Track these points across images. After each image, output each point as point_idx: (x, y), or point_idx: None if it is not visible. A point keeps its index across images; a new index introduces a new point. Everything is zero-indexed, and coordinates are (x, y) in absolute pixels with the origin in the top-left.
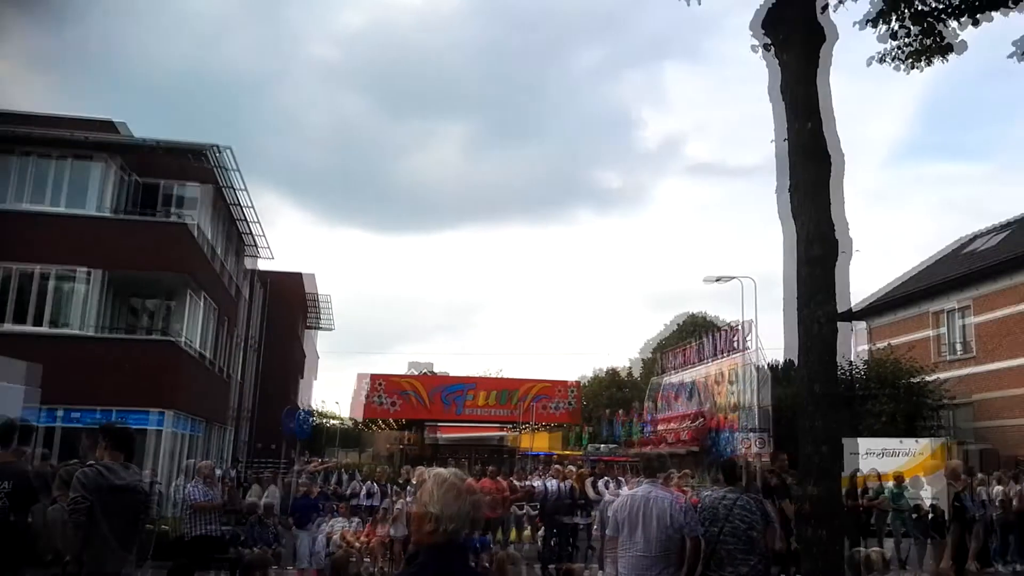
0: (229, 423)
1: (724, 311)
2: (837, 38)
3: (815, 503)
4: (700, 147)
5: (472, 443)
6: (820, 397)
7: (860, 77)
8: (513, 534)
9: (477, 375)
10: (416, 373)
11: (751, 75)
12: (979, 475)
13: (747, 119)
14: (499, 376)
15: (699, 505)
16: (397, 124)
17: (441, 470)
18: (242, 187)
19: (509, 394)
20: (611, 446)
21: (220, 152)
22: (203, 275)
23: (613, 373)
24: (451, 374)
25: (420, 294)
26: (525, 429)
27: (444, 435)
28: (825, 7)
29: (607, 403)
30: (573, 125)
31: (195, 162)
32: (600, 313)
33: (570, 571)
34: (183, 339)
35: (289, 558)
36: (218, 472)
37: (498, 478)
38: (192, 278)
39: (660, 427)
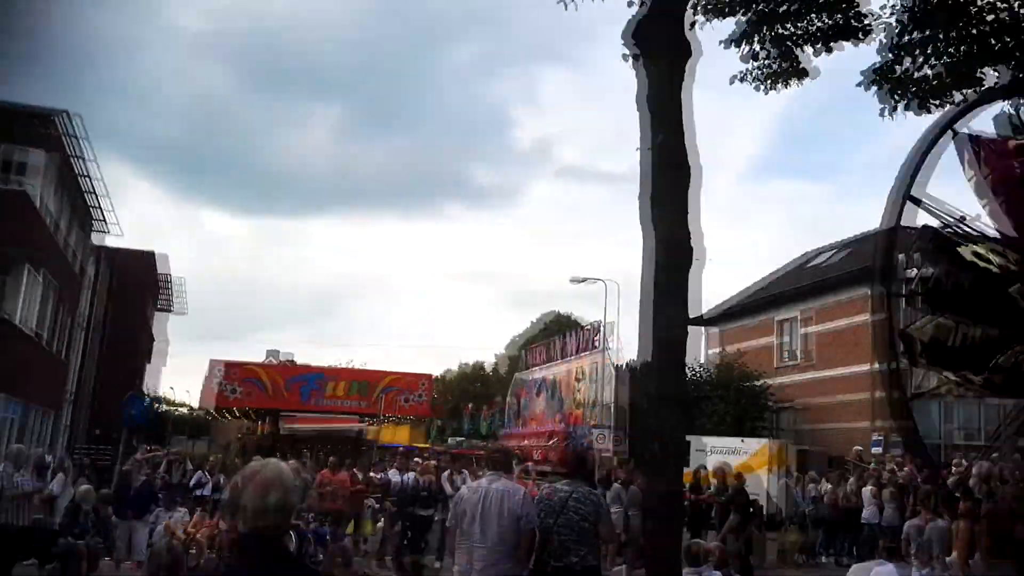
0: (65, 407)
1: (590, 312)
2: (701, 54)
3: (654, 497)
4: (572, 151)
5: (330, 435)
6: (666, 397)
7: (725, 94)
8: (369, 527)
9: (333, 366)
10: (274, 362)
11: (624, 83)
12: (810, 473)
13: (618, 126)
14: (354, 367)
15: (536, 497)
16: (264, 103)
17: (261, 462)
18: (92, 158)
19: (364, 385)
20: (468, 440)
21: (69, 119)
22: (43, 249)
23: (478, 368)
24: (310, 364)
25: (282, 281)
26: (381, 421)
27: (302, 426)
28: (693, 24)
29: (471, 398)
30: (447, 119)
31: (41, 128)
32: (468, 309)
33: (417, 564)
34: (17, 317)
35: (124, 551)
36: (48, 460)
37: (351, 471)
38: (30, 251)
39: (527, 441)
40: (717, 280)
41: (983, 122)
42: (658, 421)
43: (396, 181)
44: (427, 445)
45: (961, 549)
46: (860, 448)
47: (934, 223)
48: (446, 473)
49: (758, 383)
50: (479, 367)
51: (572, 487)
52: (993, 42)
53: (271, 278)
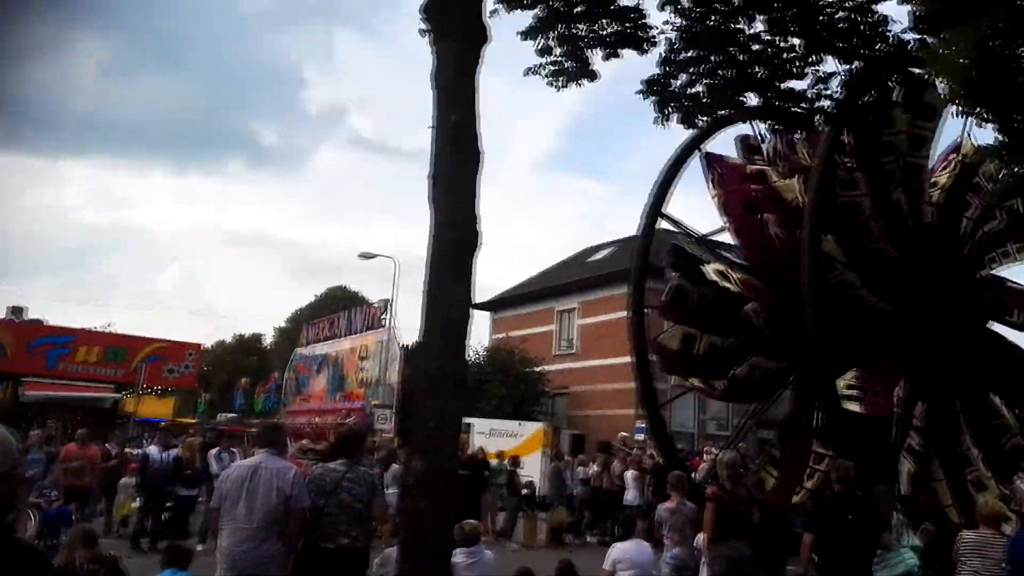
0: None
1: (376, 289)
2: (492, 40)
3: (420, 476)
4: (366, 121)
5: (80, 404)
6: (439, 377)
7: (530, 86)
8: (125, 507)
9: (87, 328)
10: (16, 320)
11: (426, 59)
12: (580, 456)
13: (417, 102)
14: (113, 331)
15: (308, 477)
16: (16, 26)
17: None
18: None
19: (122, 352)
20: (241, 417)
21: None
22: None
23: (255, 340)
24: (61, 325)
25: (31, 227)
26: (141, 393)
27: (49, 393)
28: (494, 12)
29: (246, 372)
30: (231, 70)
31: None
32: (247, 276)
33: (177, 547)
34: None
35: None
36: None
37: (103, 445)
38: None
39: (302, 418)
40: (503, 267)
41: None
42: (435, 401)
43: (171, 130)
44: (193, 421)
45: (708, 530)
46: (625, 434)
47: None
48: (214, 451)
49: (537, 369)
50: (256, 339)
51: (346, 467)
52: (754, 70)
53: (18, 223)
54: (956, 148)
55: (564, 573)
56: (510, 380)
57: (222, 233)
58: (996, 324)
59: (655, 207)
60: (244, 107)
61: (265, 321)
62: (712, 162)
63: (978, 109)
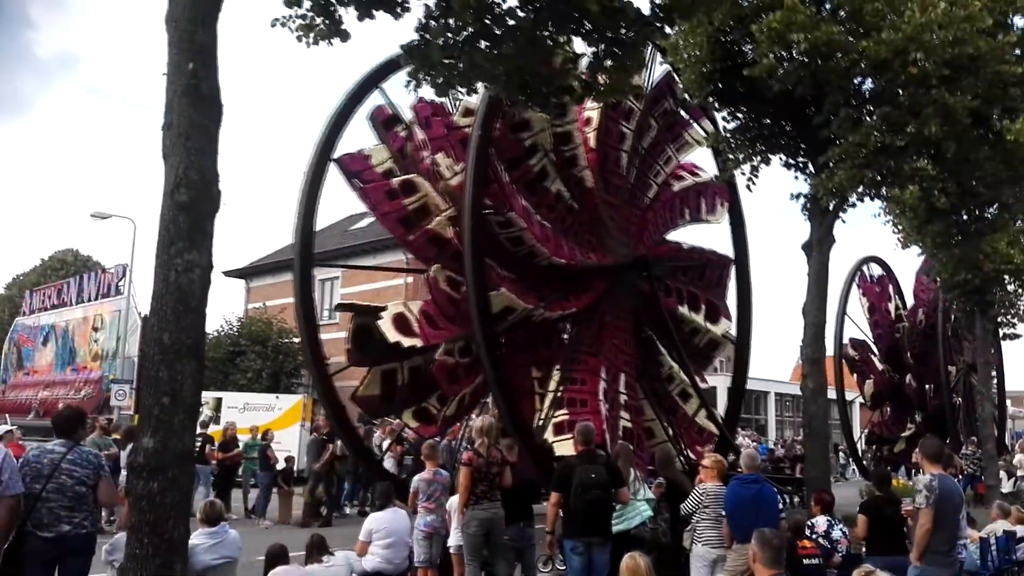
0: None
1: (111, 253)
2: None
3: (150, 455)
4: (100, 69)
5: None
6: (168, 347)
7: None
8: None
9: None
10: None
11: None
12: None
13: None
14: None
15: (22, 459)
16: None
17: None
18: None
19: None
20: None
21: None
22: None
23: None
24: None
25: None
26: None
27: None
28: None
29: None
30: None
31: None
32: None
33: None
34: None
35: None
36: None
37: None
38: None
39: (27, 392)
40: (260, 232)
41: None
42: (169, 374)
43: None
44: None
45: (462, 493)
46: None
47: None
48: None
49: (296, 340)
50: None
51: (66, 447)
52: (507, 46)
53: None
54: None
55: (315, 548)
56: (267, 352)
57: None
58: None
59: (323, 156)
60: None
61: None
62: (350, 172)
63: (710, 99)
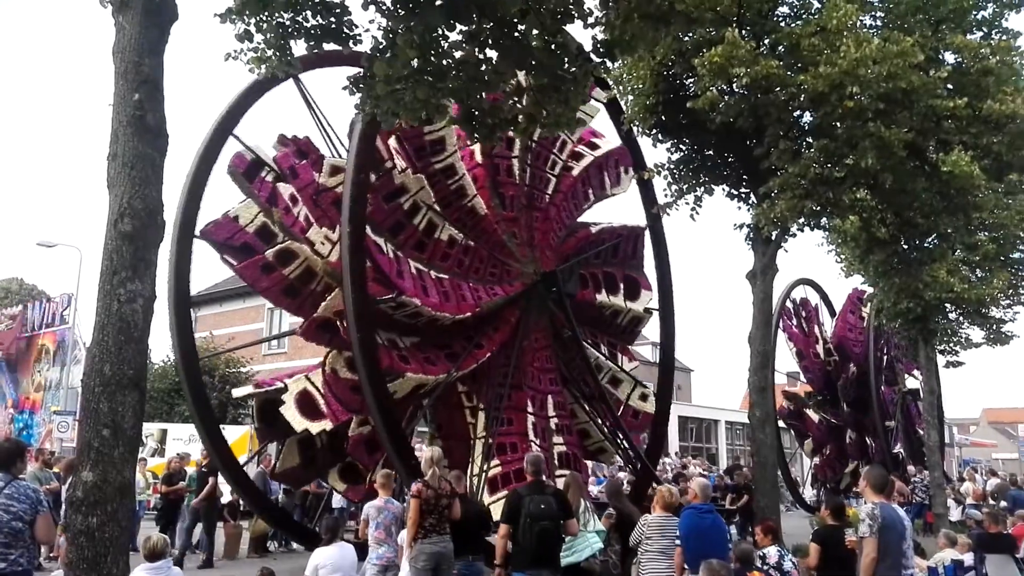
0: None
1: (57, 282)
2: (178, 18)
3: (89, 489)
4: (48, 97)
5: None
6: (109, 378)
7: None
8: None
9: None
10: None
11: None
12: None
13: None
14: None
15: None
16: None
17: None
18: None
19: None
20: None
21: None
22: None
23: None
24: None
25: None
26: None
27: None
28: None
29: None
30: None
31: None
32: None
33: None
34: None
35: None
36: None
37: None
38: None
39: None
40: (210, 263)
41: None
42: (110, 406)
43: None
44: None
45: (411, 526)
46: None
47: None
48: None
49: (244, 370)
50: None
51: (4, 481)
52: (453, 79)
53: None
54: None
55: None
56: (214, 382)
57: None
58: None
59: (184, 232)
60: None
61: None
62: (218, 243)
63: (654, 131)
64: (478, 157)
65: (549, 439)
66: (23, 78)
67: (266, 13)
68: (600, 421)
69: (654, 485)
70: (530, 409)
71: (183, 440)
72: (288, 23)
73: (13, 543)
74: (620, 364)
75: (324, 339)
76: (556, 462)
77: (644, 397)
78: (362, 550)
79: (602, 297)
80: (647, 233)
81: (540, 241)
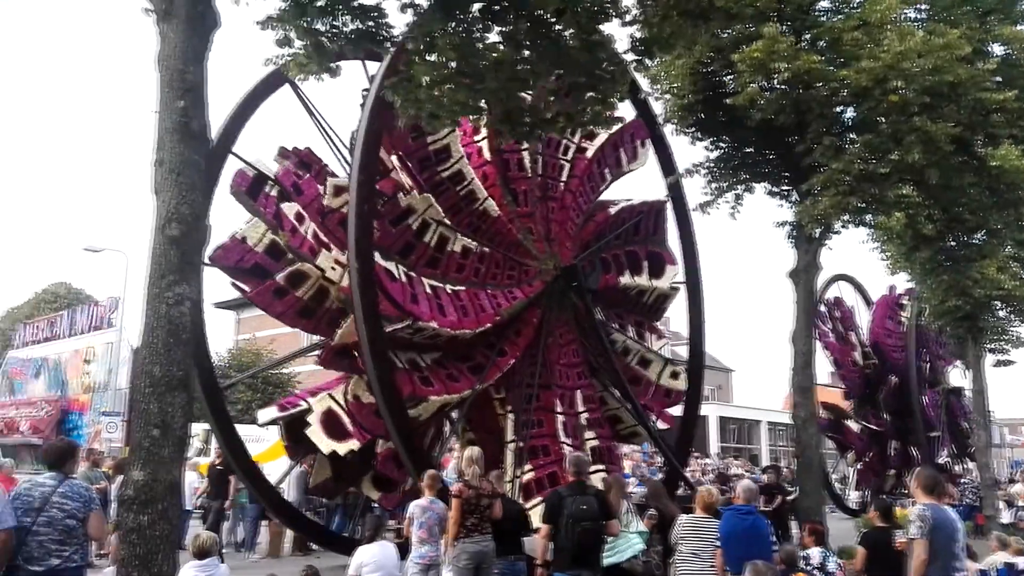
0: None
1: (103, 286)
2: (220, 26)
3: (139, 488)
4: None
5: None
6: (158, 379)
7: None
8: None
9: None
10: None
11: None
12: None
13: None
14: None
15: (13, 492)
16: None
17: None
18: None
19: None
20: None
21: None
22: None
23: None
24: None
25: None
26: None
27: None
28: None
29: None
30: None
31: None
32: None
33: None
34: None
35: None
36: None
37: None
38: None
39: (12, 411)
40: None
41: None
42: (159, 407)
43: None
44: None
45: (452, 526)
46: None
47: None
48: None
49: (286, 370)
50: None
51: (58, 480)
52: (490, 80)
53: None
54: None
55: None
56: (256, 383)
57: None
58: None
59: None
60: None
61: None
62: (228, 267)
63: (692, 129)
64: (486, 154)
65: (581, 436)
66: (69, 86)
67: (304, 19)
68: (629, 407)
69: (692, 476)
70: (559, 408)
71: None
72: (326, 28)
73: (67, 540)
74: (648, 343)
75: (343, 366)
76: (589, 457)
77: (675, 375)
78: (403, 549)
79: (626, 279)
80: (669, 205)
81: (558, 233)
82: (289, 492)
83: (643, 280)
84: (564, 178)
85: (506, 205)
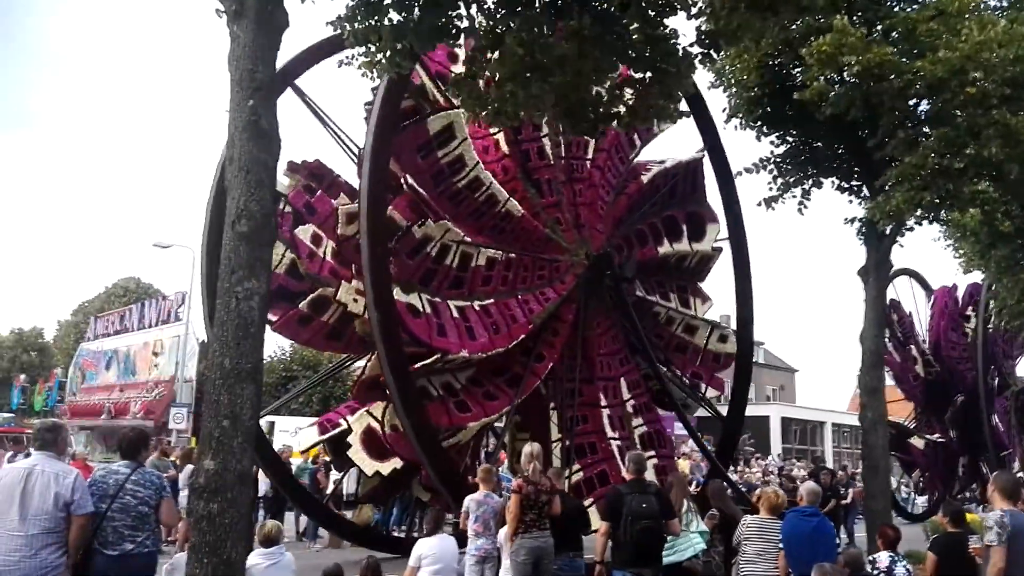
0: None
1: (172, 281)
2: (289, 26)
3: (210, 477)
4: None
5: None
6: (228, 371)
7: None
8: None
9: None
10: None
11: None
12: None
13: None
14: None
15: (90, 479)
16: None
17: None
18: None
19: None
20: (18, 416)
21: None
22: None
23: (35, 334)
24: None
25: None
26: None
27: None
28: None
29: (25, 368)
30: None
31: None
32: (23, 263)
33: None
34: None
35: None
36: None
37: None
38: None
39: (99, 395)
40: None
41: None
42: (229, 398)
43: None
44: None
45: (511, 521)
46: None
47: None
48: None
49: (347, 364)
50: (37, 333)
51: (130, 468)
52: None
53: None
54: None
55: (370, 571)
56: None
57: None
58: None
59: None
60: None
61: (52, 314)
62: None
63: (759, 123)
64: (504, 147)
65: (628, 425)
66: (144, 84)
67: (376, 18)
68: (676, 382)
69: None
70: (603, 402)
71: (289, 432)
72: (398, 24)
73: (140, 526)
74: (693, 309)
75: (375, 396)
76: (639, 445)
77: (723, 339)
78: (461, 541)
79: (664, 248)
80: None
81: (587, 217)
82: (351, 482)
83: (683, 246)
84: (590, 155)
85: (529, 199)
